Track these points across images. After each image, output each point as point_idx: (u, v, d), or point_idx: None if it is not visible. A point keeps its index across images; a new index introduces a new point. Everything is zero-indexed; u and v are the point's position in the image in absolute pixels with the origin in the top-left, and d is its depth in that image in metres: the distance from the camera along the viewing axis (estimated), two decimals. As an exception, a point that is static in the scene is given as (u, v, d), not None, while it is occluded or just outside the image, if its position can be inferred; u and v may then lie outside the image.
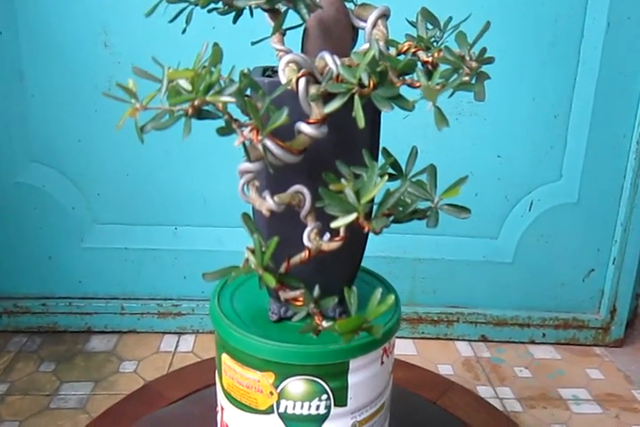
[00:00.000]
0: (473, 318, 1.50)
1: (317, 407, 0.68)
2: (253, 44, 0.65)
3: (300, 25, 0.65)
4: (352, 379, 0.68)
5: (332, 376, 0.67)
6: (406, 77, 0.49)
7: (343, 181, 0.48)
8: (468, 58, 0.55)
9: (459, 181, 0.52)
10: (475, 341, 1.53)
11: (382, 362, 0.73)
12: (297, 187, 0.56)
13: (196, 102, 0.46)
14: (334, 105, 0.47)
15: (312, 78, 0.56)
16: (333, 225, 0.47)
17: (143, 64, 1.35)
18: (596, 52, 1.34)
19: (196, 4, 0.62)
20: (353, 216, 0.47)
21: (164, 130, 0.49)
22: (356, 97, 0.46)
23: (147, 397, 1.11)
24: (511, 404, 1.32)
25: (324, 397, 0.67)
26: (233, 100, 0.46)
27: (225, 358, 0.71)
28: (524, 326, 1.53)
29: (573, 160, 1.42)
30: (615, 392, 1.39)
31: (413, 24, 0.62)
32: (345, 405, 0.69)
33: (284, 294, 0.51)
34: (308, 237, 0.56)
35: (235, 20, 0.66)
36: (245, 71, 0.55)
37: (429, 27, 0.62)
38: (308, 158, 0.56)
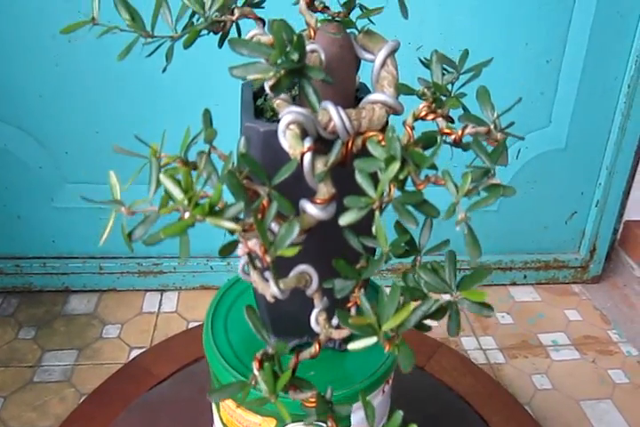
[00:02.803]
0: (457, 265, 1.49)
1: (319, 447, 0.67)
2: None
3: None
4: (355, 418, 0.67)
5: (336, 419, 0.65)
6: (430, 175, 0.44)
7: (362, 298, 0.43)
8: (492, 126, 0.49)
9: (480, 275, 0.47)
10: (458, 286, 1.53)
11: (384, 391, 0.72)
12: (302, 267, 0.51)
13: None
14: (350, 218, 0.42)
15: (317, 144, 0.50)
16: (351, 347, 0.43)
17: (108, 14, 1.24)
18: (593, -9, 1.25)
19: (177, 40, 0.53)
20: (372, 340, 0.43)
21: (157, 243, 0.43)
22: (377, 213, 0.41)
23: (135, 374, 1.10)
24: (494, 355, 1.34)
25: (327, 438, 0.66)
26: (238, 227, 0.40)
27: (222, 394, 0.69)
28: (506, 269, 1.53)
29: (563, 106, 1.37)
30: (592, 334, 1.43)
31: (427, 65, 0.55)
32: (347, 440, 0.68)
33: (293, 395, 0.48)
34: (316, 320, 0.52)
35: (220, 44, 0.58)
36: (243, 150, 0.48)
37: (446, 66, 0.55)
38: (313, 232, 0.51)
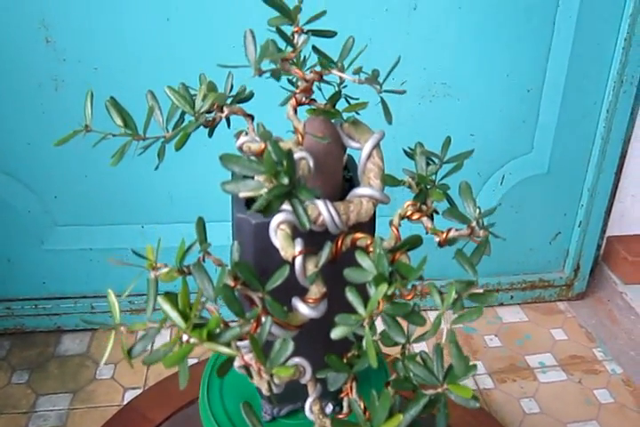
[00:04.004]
0: (445, 290, 1.51)
1: None
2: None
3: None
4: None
5: None
6: (417, 284, 0.45)
7: (354, 404, 0.45)
8: (475, 224, 0.51)
9: (467, 370, 0.49)
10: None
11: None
12: (296, 360, 0.53)
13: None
14: (340, 332, 0.44)
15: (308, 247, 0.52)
16: (347, 452, 0.45)
17: (91, 61, 1.26)
18: (571, 22, 1.27)
19: (169, 141, 0.55)
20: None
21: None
22: (367, 330, 0.43)
23: (130, 419, 1.11)
24: (483, 380, 1.36)
25: None
26: (234, 353, 0.41)
27: (221, 462, 0.71)
28: (493, 291, 1.55)
29: (544, 132, 1.40)
30: (578, 353, 1.45)
31: (411, 156, 0.57)
32: None
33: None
34: (311, 409, 0.54)
35: (210, 134, 0.60)
36: (236, 258, 0.50)
37: (431, 157, 0.57)
38: (305, 325, 0.53)
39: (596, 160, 1.44)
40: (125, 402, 1.22)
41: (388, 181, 0.55)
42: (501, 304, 1.59)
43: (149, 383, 1.26)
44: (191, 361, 1.30)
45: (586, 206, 1.50)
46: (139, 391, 1.23)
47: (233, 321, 0.48)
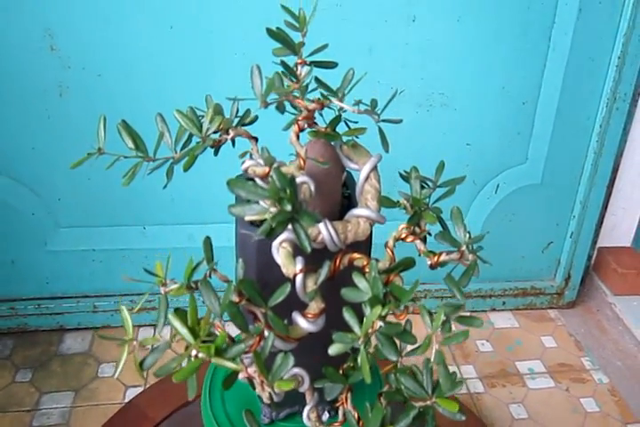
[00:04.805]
0: (439, 294, 1.55)
1: None
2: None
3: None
4: None
5: None
6: (409, 305, 0.49)
7: (349, 415, 0.48)
8: (465, 247, 0.54)
9: (454, 386, 0.52)
10: (439, 314, 1.59)
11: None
12: (295, 371, 0.57)
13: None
14: (337, 349, 0.47)
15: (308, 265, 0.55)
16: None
17: (95, 68, 1.28)
18: (567, 38, 1.31)
19: (177, 162, 0.58)
20: (359, 455, 0.48)
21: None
22: (362, 349, 0.46)
23: (131, 418, 1.14)
24: (474, 384, 1.40)
25: None
26: (239, 367, 0.45)
27: (219, 463, 0.74)
28: (486, 296, 1.60)
29: (539, 144, 1.43)
30: (566, 362, 1.49)
31: (406, 179, 0.60)
32: None
33: None
34: (308, 416, 0.57)
35: (216, 153, 0.63)
36: (241, 276, 0.53)
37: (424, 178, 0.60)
38: (304, 337, 0.56)
39: (588, 173, 1.47)
40: (127, 400, 1.25)
41: (385, 202, 0.58)
42: (493, 310, 1.63)
43: (150, 382, 1.29)
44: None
45: (578, 217, 1.53)
46: (140, 390, 1.26)
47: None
